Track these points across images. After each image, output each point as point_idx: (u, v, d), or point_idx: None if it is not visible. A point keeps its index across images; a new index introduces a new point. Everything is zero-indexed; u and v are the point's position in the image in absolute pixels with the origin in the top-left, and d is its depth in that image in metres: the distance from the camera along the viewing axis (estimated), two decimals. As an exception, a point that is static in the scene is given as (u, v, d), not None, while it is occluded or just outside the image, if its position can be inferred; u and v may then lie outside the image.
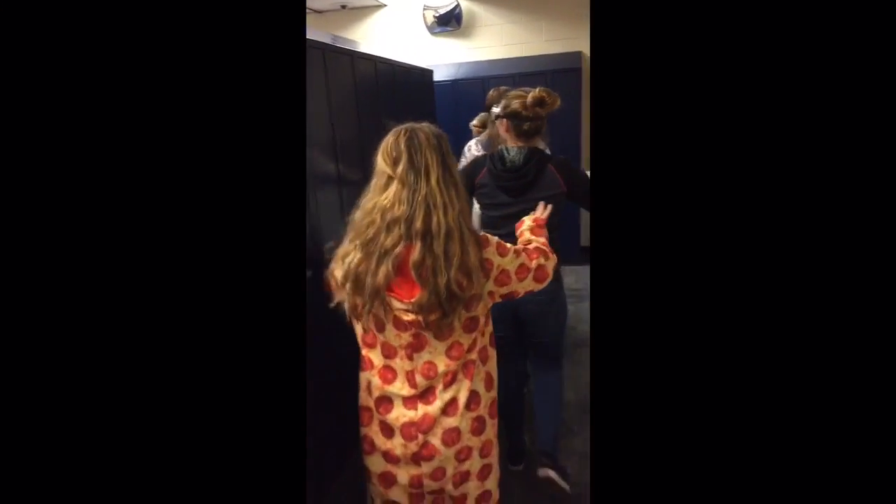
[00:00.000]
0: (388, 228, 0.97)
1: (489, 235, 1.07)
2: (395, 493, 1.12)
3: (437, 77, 4.12)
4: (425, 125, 1.05)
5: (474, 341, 1.07)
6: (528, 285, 1.10)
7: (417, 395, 1.06)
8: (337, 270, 1.04)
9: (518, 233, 1.30)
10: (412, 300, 0.98)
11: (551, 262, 1.16)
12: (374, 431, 1.10)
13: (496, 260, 1.04)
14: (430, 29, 4.28)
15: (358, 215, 1.03)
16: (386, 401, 1.08)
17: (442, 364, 1.04)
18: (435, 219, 0.96)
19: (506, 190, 1.53)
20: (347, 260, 1.01)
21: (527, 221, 1.30)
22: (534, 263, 1.10)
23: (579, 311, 3.27)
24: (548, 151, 1.75)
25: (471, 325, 1.05)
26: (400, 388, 1.06)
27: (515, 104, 1.52)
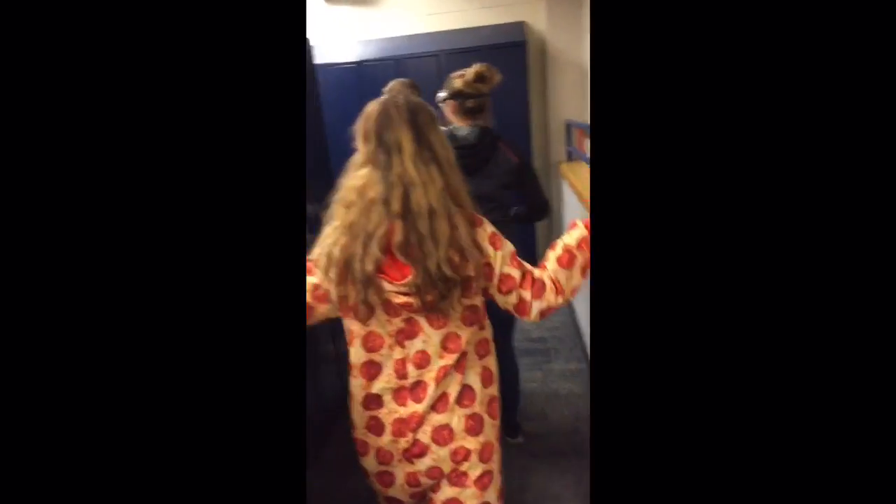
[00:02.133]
0: (367, 210, 0.92)
1: (483, 218, 0.99)
2: (394, 491, 1.07)
3: (336, 58, 3.07)
4: (401, 96, 0.98)
5: (472, 335, 1.01)
6: (501, 302, 1.02)
7: (407, 389, 1.00)
8: (320, 256, 0.97)
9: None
10: (405, 281, 0.93)
11: (546, 303, 1.00)
12: (363, 433, 1.04)
13: (485, 247, 0.97)
14: (326, -5, 3.20)
15: (339, 195, 0.97)
16: (373, 398, 1.02)
17: (437, 355, 0.98)
18: (414, 198, 0.90)
19: (461, 168, 1.64)
20: (329, 243, 0.95)
21: (577, 230, 1.06)
22: (525, 293, 1.00)
23: (545, 387, 2.27)
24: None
25: (471, 317, 0.99)
26: (387, 380, 1.00)
27: (457, 83, 1.59)
